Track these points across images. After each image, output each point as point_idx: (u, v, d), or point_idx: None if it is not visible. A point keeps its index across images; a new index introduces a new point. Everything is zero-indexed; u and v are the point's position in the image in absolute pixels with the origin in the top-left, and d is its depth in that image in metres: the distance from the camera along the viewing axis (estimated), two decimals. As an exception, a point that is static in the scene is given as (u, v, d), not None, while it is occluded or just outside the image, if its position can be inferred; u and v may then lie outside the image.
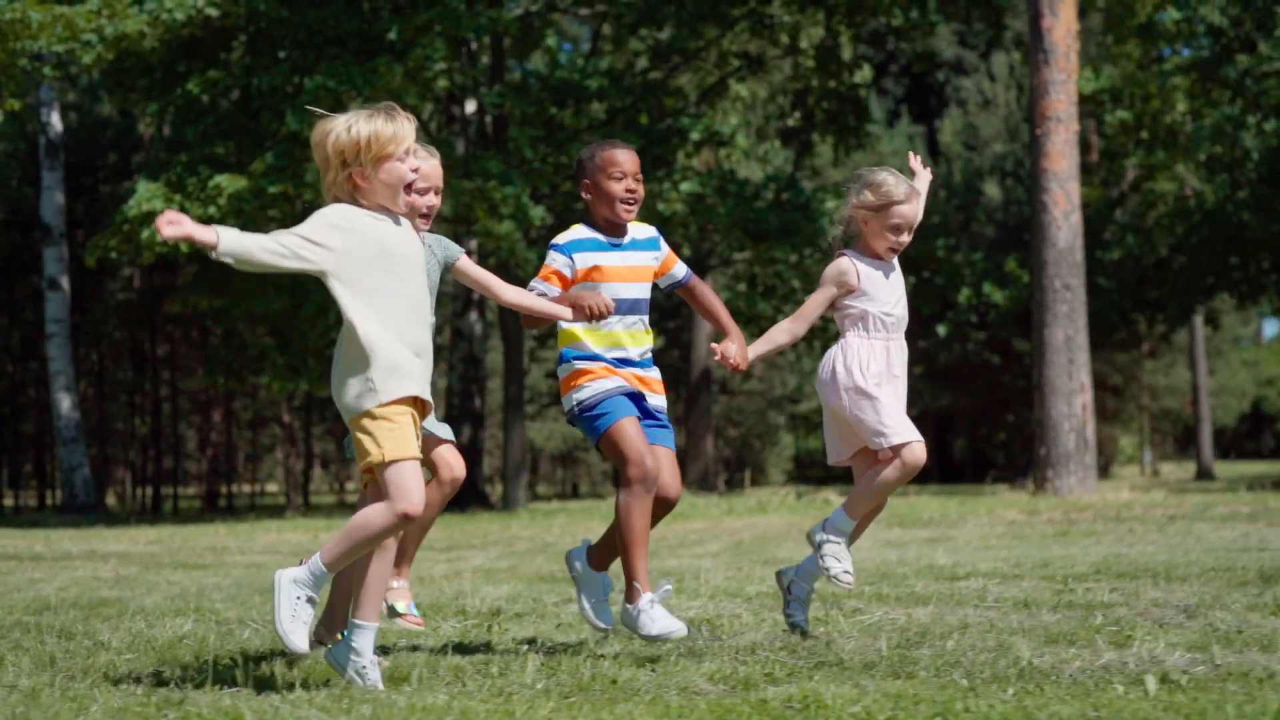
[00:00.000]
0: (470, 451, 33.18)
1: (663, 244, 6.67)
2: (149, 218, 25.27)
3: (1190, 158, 28.41)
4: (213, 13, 25.35)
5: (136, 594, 10.46)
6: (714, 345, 6.55)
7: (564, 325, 6.44)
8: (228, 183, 24.96)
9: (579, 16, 31.36)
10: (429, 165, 6.34)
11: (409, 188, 5.62)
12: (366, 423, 5.50)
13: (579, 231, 6.51)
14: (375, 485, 5.63)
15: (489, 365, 39.52)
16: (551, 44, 29.93)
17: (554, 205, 29.82)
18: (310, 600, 5.57)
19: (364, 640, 5.61)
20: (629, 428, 6.31)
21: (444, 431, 7.01)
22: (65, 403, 32.08)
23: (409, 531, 6.83)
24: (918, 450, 6.56)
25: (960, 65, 58.56)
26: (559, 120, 28.05)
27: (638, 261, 6.53)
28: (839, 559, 6.76)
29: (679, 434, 45.72)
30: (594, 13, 29.52)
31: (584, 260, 6.42)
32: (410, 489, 5.47)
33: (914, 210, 6.70)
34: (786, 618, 6.90)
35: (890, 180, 6.67)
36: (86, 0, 23.30)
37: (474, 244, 28.16)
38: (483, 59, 30.67)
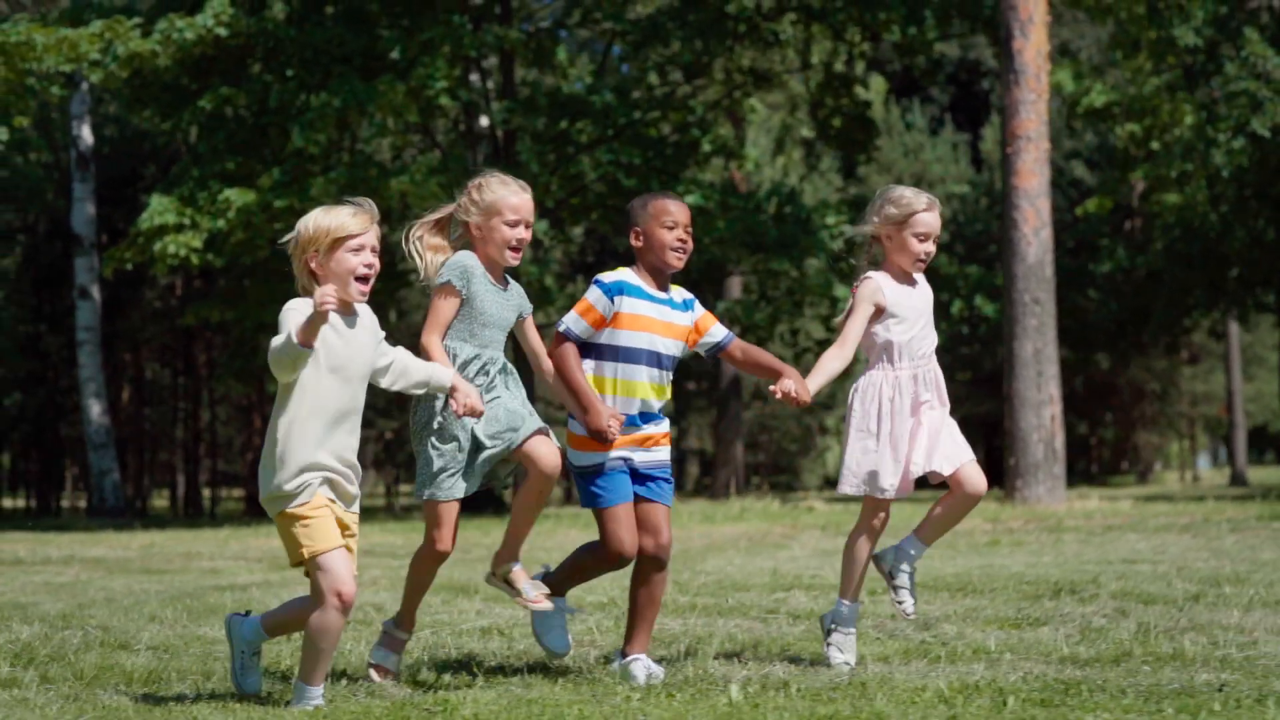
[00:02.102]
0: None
1: (697, 305, 6.77)
2: (161, 231, 26.17)
3: (1167, 170, 28.76)
4: (222, 32, 26.18)
5: (53, 600, 11.16)
6: (772, 387, 6.54)
7: (596, 373, 6.52)
8: (236, 196, 25.80)
9: (591, 33, 31.97)
10: (519, 199, 6.39)
11: (362, 279, 5.89)
12: (286, 522, 5.81)
13: (627, 275, 6.57)
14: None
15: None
16: (563, 59, 30.58)
17: (562, 216, 30.49)
18: (256, 654, 6.13)
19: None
20: (621, 515, 6.44)
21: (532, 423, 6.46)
22: (95, 409, 33.09)
23: (517, 524, 6.52)
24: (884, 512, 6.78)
25: (1005, 73, 58.75)
26: (569, 134, 28.70)
27: (675, 320, 6.61)
28: (905, 590, 6.97)
29: (709, 440, 46.27)
30: (602, 30, 30.15)
31: (624, 304, 6.49)
32: (337, 572, 5.75)
33: (936, 219, 6.80)
34: (896, 605, 7.01)
35: (909, 193, 6.80)
36: (90, 23, 24.20)
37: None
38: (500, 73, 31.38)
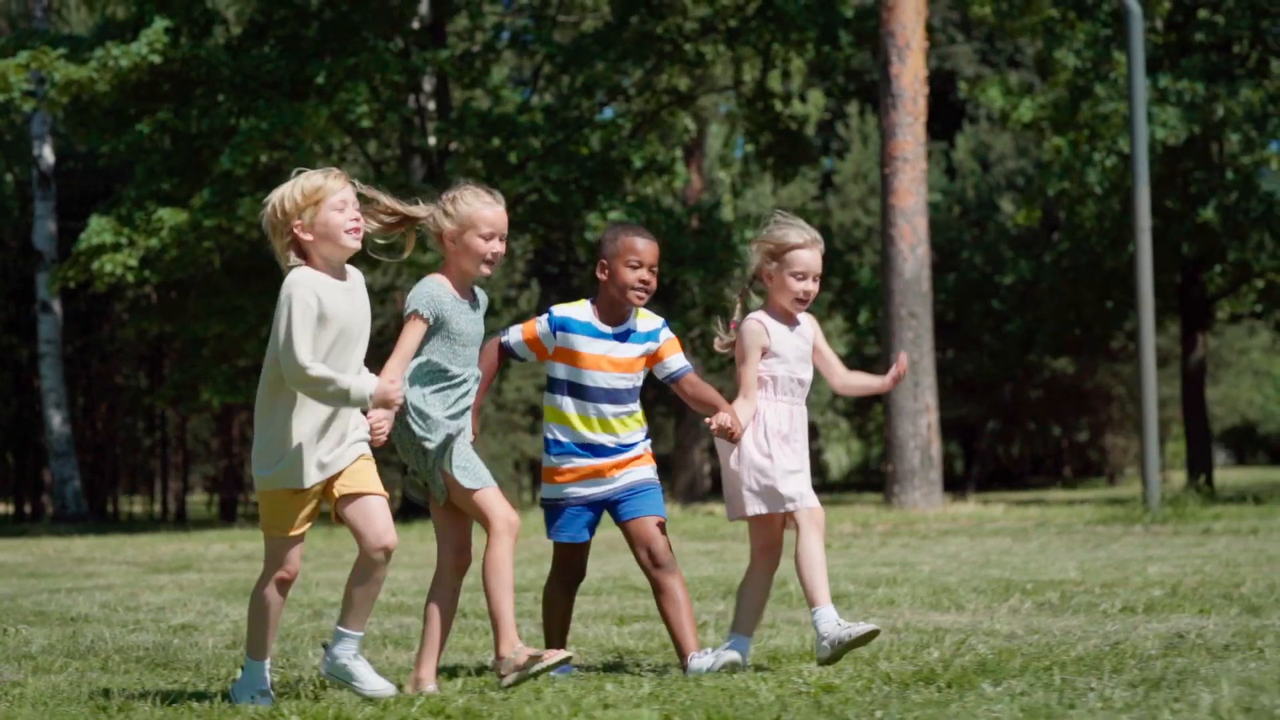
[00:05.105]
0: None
1: (663, 335, 6.78)
2: (99, 250, 27.41)
3: (1046, 188, 29.76)
4: (156, 59, 27.41)
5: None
6: (708, 419, 6.62)
7: (548, 404, 6.74)
8: (169, 216, 27.03)
9: (521, 55, 33.04)
10: (494, 212, 6.41)
11: (351, 232, 6.06)
12: (261, 496, 6.17)
13: (576, 310, 6.73)
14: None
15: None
16: (496, 81, 31.69)
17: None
18: (264, 693, 6.26)
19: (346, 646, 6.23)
20: (569, 553, 6.78)
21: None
22: (56, 419, 34.41)
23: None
24: (819, 512, 6.73)
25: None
26: (501, 152, 29.76)
27: (626, 354, 6.68)
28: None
29: (668, 443, 47.23)
30: (530, 52, 31.22)
31: (566, 341, 6.65)
32: (282, 557, 6.18)
33: (814, 257, 6.78)
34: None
35: (791, 230, 6.79)
36: (16, 54, 25.50)
37: (403, 276, 30.00)
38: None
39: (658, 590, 6.63)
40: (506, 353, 6.77)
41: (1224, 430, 65.51)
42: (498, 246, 6.41)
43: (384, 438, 6.14)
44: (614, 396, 6.64)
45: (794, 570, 6.77)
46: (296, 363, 5.90)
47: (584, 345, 6.63)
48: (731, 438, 6.57)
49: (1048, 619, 8.39)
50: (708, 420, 6.59)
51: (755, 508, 6.74)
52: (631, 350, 6.68)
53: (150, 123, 28.17)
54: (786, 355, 6.78)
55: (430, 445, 6.31)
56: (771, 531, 6.86)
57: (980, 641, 7.29)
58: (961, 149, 56.33)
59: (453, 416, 6.34)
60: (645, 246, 6.64)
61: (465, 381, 6.39)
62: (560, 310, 6.73)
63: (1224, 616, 8.13)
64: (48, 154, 34.94)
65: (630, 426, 6.68)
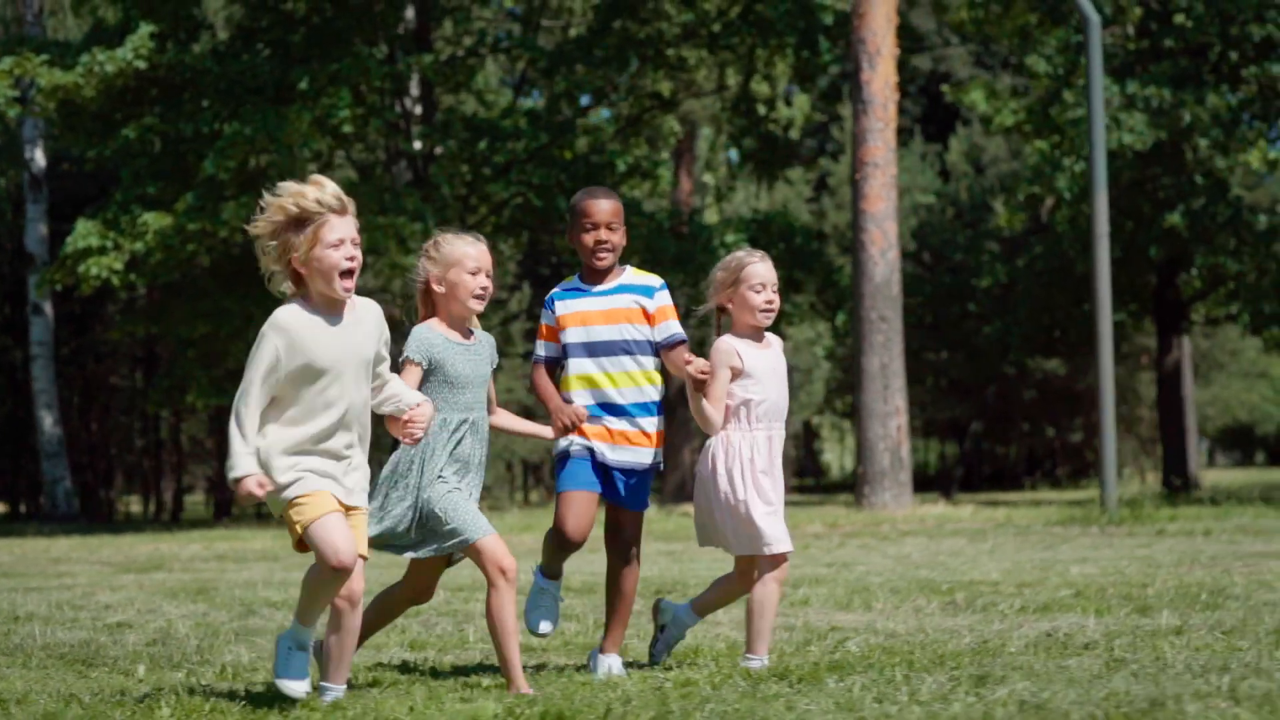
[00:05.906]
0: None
1: (658, 295, 6.86)
2: (85, 254, 27.76)
3: (1015, 193, 30.06)
4: (141, 65, 27.75)
5: None
6: (687, 357, 6.70)
7: (572, 371, 6.81)
8: (154, 220, 27.36)
9: (506, 59, 33.35)
10: (476, 249, 6.48)
11: (346, 274, 5.77)
12: (291, 512, 5.76)
13: (564, 283, 6.96)
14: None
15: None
16: (481, 85, 32.00)
17: (486, 234, 31.85)
18: (302, 648, 5.95)
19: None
20: (572, 500, 6.68)
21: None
22: (48, 420, 34.81)
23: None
24: (784, 561, 6.77)
25: (975, 84, 59.51)
26: (486, 156, 30.06)
27: (615, 304, 6.81)
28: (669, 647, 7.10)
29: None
30: (513, 57, 31.54)
31: (562, 307, 6.83)
32: (333, 543, 5.69)
33: (768, 269, 6.86)
34: (651, 655, 7.20)
35: (739, 253, 6.92)
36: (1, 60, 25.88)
37: (382, 279, 30.33)
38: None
39: (609, 577, 6.79)
40: (550, 365, 6.89)
41: (1220, 431, 65.78)
42: (485, 281, 6.48)
43: (420, 433, 6.01)
44: (609, 349, 6.76)
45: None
46: (236, 402, 5.69)
47: (570, 305, 6.81)
48: (702, 386, 6.65)
49: (944, 618, 8.68)
50: (687, 361, 6.69)
51: (721, 545, 6.91)
52: (621, 300, 6.81)
53: (136, 128, 28.51)
54: (761, 375, 6.81)
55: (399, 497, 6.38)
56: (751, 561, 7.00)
57: (859, 640, 7.57)
58: (955, 151, 56.51)
59: (455, 463, 6.40)
60: (593, 207, 6.78)
61: (464, 423, 6.43)
62: (551, 290, 6.96)
63: (1112, 617, 8.40)
64: (40, 157, 35.34)
65: (637, 382, 6.78)
